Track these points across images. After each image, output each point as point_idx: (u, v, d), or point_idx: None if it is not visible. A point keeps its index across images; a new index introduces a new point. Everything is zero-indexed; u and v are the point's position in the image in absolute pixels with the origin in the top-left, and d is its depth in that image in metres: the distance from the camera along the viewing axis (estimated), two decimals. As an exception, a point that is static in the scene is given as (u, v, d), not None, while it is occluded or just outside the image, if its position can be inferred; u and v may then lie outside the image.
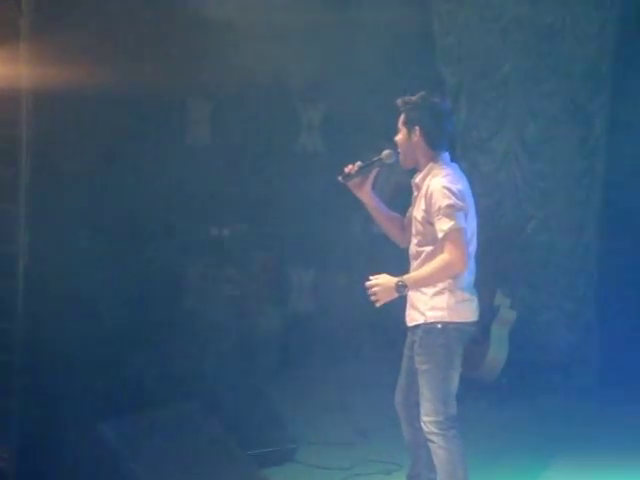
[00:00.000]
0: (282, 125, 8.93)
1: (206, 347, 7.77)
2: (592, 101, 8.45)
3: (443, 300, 4.82)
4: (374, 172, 5.02)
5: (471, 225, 4.89)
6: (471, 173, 8.40)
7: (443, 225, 4.73)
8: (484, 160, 8.57)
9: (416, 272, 4.85)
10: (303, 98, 9.05)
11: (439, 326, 4.79)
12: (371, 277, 4.81)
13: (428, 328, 4.82)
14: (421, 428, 4.93)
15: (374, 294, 4.78)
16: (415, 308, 4.90)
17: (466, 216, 4.80)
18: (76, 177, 6.57)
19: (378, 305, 4.79)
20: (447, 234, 4.72)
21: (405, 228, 5.12)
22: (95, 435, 4.92)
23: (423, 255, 4.88)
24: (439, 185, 4.80)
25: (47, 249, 5.89)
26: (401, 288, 4.73)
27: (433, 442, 4.80)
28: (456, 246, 4.71)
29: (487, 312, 7.94)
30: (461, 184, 4.87)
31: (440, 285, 4.81)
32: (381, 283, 4.76)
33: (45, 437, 5.40)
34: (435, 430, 4.79)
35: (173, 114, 8.59)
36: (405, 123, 4.95)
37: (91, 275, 6.47)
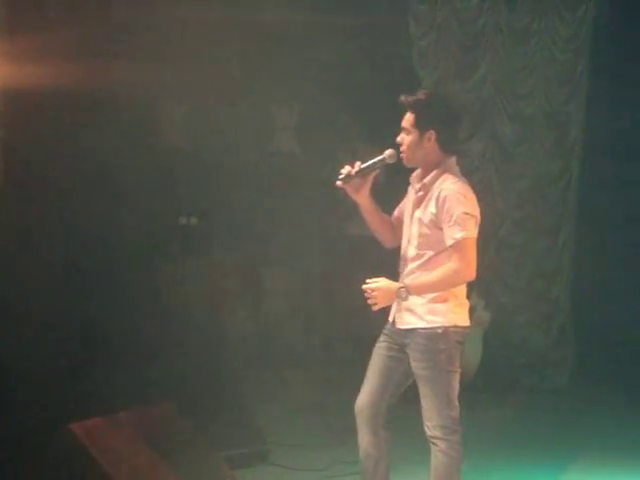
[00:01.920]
0: (254, 126, 8.94)
1: (178, 347, 7.75)
2: (568, 103, 8.49)
3: (443, 305, 4.70)
4: (374, 173, 4.77)
5: None
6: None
7: (455, 233, 4.59)
8: (461, 162, 8.55)
9: (421, 280, 4.68)
10: (276, 99, 9.06)
11: (439, 331, 4.67)
12: (369, 280, 4.65)
13: (428, 333, 4.68)
14: (384, 437, 4.85)
15: (373, 298, 4.62)
16: (411, 311, 4.74)
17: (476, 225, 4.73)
18: (50, 175, 6.54)
19: (375, 309, 4.65)
20: (458, 242, 4.59)
21: (395, 229, 4.98)
22: (65, 436, 4.88)
23: (425, 258, 4.73)
24: (453, 190, 4.65)
25: (17, 246, 5.85)
26: (403, 294, 4.61)
27: (436, 445, 4.72)
28: (466, 256, 4.60)
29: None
30: (472, 192, 4.76)
31: (443, 293, 4.70)
32: (382, 287, 4.61)
33: (15, 440, 5.37)
34: (439, 435, 4.70)
35: (146, 113, 8.58)
36: (416, 125, 4.69)
37: (60, 273, 6.44)
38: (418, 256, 4.77)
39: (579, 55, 8.41)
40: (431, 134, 4.69)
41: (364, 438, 4.89)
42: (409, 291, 4.61)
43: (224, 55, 8.41)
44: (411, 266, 4.81)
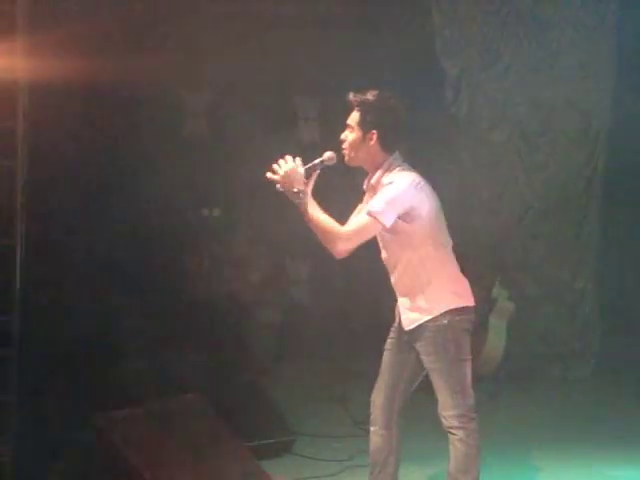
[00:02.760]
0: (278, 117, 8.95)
1: (205, 339, 7.80)
2: (592, 92, 8.45)
3: (441, 290, 4.74)
4: (314, 176, 4.74)
5: (434, 220, 4.77)
6: (472, 165, 8.46)
7: (373, 206, 4.61)
8: (485, 152, 8.56)
9: (319, 215, 4.62)
10: (301, 92, 9.07)
11: (445, 321, 4.71)
12: (282, 162, 4.62)
13: (435, 326, 4.72)
14: (396, 433, 4.93)
15: (278, 176, 4.61)
16: (414, 310, 4.79)
17: (417, 214, 4.68)
18: (73, 170, 6.58)
19: (269, 175, 4.62)
20: (366, 218, 4.60)
21: None
22: (92, 427, 4.92)
23: (405, 260, 4.78)
24: (390, 179, 4.69)
25: (44, 242, 5.89)
26: (296, 198, 4.61)
27: (454, 434, 4.75)
28: (359, 232, 4.62)
29: (485, 304, 7.95)
30: (413, 180, 4.74)
31: (435, 282, 4.74)
32: (286, 174, 4.59)
33: (43, 432, 5.42)
34: (456, 424, 4.73)
35: (169, 107, 8.62)
36: (361, 124, 4.74)
37: (89, 268, 6.49)
38: (391, 258, 4.84)
39: (603, 44, 8.37)
40: (373, 134, 4.74)
41: (377, 432, 4.98)
42: (299, 201, 4.60)
43: (246, 46, 8.41)
44: (394, 271, 4.86)
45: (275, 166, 4.63)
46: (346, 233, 4.63)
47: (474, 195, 8.59)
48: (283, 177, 4.61)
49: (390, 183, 4.68)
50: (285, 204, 8.30)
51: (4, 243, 5.61)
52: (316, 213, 4.65)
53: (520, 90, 8.49)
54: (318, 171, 4.75)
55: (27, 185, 5.69)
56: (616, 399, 7.75)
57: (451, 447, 4.79)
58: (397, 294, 4.92)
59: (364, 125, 4.73)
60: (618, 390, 7.97)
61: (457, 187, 8.39)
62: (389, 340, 4.99)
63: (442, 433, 4.80)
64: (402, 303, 4.88)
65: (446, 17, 8.39)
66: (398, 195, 4.65)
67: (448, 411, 4.75)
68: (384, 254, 4.90)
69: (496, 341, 7.93)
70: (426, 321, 4.75)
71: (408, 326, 4.84)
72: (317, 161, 4.74)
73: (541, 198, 8.59)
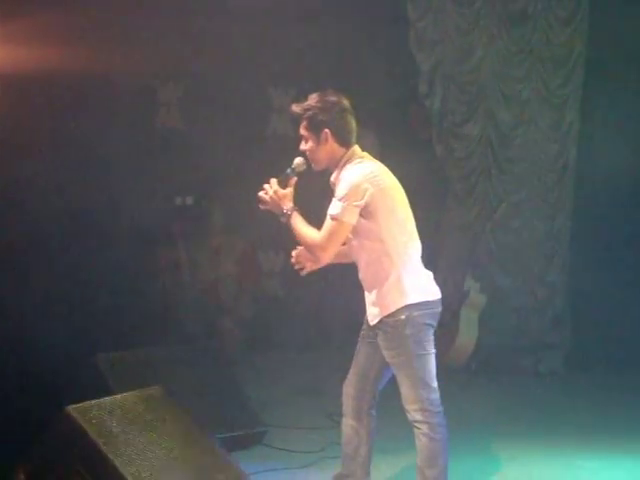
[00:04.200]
0: (252, 108, 8.95)
1: (176, 329, 7.79)
2: (564, 86, 8.48)
3: (401, 286, 4.77)
4: (292, 183, 4.91)
5: (395, 213, 4.82)
6: (446, 158, 8.48)
7: (332, 209, 4.73)
8: (458, 145, 8.58)
9: (302, 227, 4.80)
10: (275, 82, 9.06)
11: (403, 317, 4.74)
12: (267, 186, 4.85)
13: (393, 321, 4.77)
14: (367, 423, 5.00)
15: (264, 199, 4.84)
16: (375, 305, 4.85)
17: (376, 207, 4.74)
18: (45, 156, 6.55)
19: (261, 207, 4.86)
20: (328, 221, 4.73)
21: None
22: (62, 418, 4.90)
23: (365, 255, 4.85)
24: (345, 177, 4.78)
25: (15, 224, 5.86)
26: (282, 218, 4.83)
27: (418, 429, 4.81)
28: (330, 238, 4.73)
29: (456, 296, 7.98)
30: (369, 173, 4.79)
31: (393, 275, 4.77)
32: (274, 200, 4.82)
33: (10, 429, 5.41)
34: (419, 418, 4.78)
35: (142, 96, 8.60)
36: (310, 129, 4.86)
37: (59, 254, 6.46)
38: (354, 252, 4.90)
39: (576, 38, 8.39)
40: (325, 133, 4.85)
41: (347, 422, 5.07)
42: (286, 219, 4.81)
43: (221, 34, 8.40)
44: (358, 265, 4.92)
45: (261, 193, 4.84)
46: (320, 243, 4.76)
47: (447, 188, 8.61)
48: (270, 202, 4.82)
49: (344, 179, 4.76)
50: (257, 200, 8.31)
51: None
52: (298, 226, 4.82)
53: (493, 83, 8.51)
54: (295, 178, 4.92)
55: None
56: (587, 391, 7.81)
57: (416, 441, 4.84)
58: (364, 288, 4.97)
59: (314, 128, 4.86)
60: (589, 383, 8.04)
61: (430, 180, 8.42)
62: (362, 332, 5.05)
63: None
64: (366, 297, 4.94)
65: (420, 10, 8.38)
66: (351, 191, 4.72)
67: (410, 405, 4.81)
68: (349, 247, 4.95)
69: (468, 333, 7.97)
70: (385, 316, 4.81)
71: (371, 321, 4.90)
72: (288, 170, 4.93)
73: (513, 191, 8.62)
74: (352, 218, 4.72)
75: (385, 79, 8.87)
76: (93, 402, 5.03)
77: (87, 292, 7.08)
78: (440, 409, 4.82)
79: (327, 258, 4.80)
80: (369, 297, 4.90)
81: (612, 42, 8.22)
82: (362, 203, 4.72)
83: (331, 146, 4.86)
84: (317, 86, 8.46)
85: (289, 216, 4.80)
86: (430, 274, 4.93)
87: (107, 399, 5.16)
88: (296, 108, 4.91)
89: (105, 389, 5.60)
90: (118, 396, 5.23)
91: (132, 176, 8.47)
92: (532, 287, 8.67)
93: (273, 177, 4.91)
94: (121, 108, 8.13)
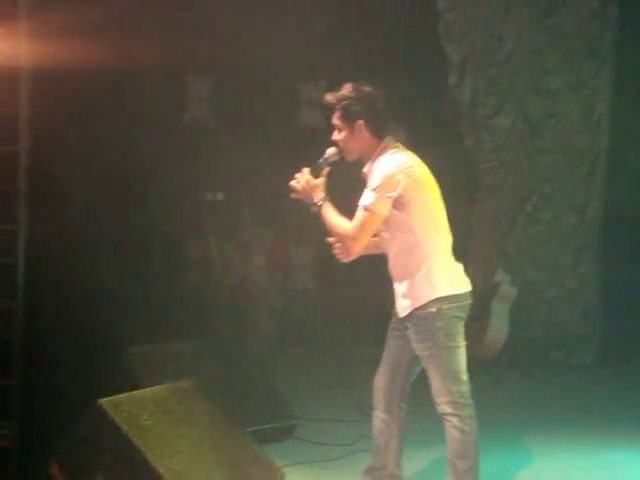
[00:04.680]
0: (281, 102, 8.95)
1: (205, 323, 7.81)
2: (595, 77, 8.44)
3: (431, 277, 4.75)
4: (323, 173, 4.90)
5: (428, 205, 4.82)
6: (476, 150, 8.45)
7: (364, 200, 4.71)
8: (488, 137, 8.55)
9: (333, 217, 4.79)
10: (304, 76, 9.06)
11: (434, 309, 4.73)
12: (299, 175, 4.86)
13: (423, 314, 4.75)
14: (398, 416, 5.00)
15: (295, 190, 4.84)
16: (405, 297, 4.83)
17: (410, 199, 4.72)
18: (76, 155, 6.57)
19: (293, 195, 4.86)
20: (361, 212, 4.71)
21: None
22: (94, 411, 4.93)
23: (395, 246, 4.83)
24: (379, 167, 4.77)
25: (45, 224, 5.89)
26: (313, 208, 4.82)
27: (448, 421, 4.80)
28: (361, 229, 4.71)
29: (487, 289, 7.95)
30: (404, 165, 4.78)
31: (424, 268, 4.75)
32: (305, 189, 4.82)
33: (46, 417, 5.44)
34: (450, 410, 4.77)
35: (172, 91, 8.62)
36: (344, 119, 4.84)
37: (90, 253, 6.49)
38: (385, 243, 4.88)
39: (606, 28, 8.35)
40: (360, 124, 4.83)
41: (378, 416, 5.06)
42: (318, 209, 4.80)
43: (250, 28, 8.40)
44: (389, 255, 4.91)
45: (294, 182, 4.84)
46: (351, 234, 4.74)
47: (477, 180, 8.59)
48: (302, 191, 4.82)
49: (378, 169, 4.75)
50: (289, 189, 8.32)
51: (6, 228, 5.61)
52: (329, 216, 4.80)
53: (524, 75, 8.47)
54: (327, 168, 4.90)
55: (30, 170, 5.68)
56: (618, 384, 7.77)
57: (446, 433, 4.83)
58: (393, 280, 4.95)
59: (348, 119, 4.84)
60: (620, 375, 8.00)
61: (461, 173, 8.39)
62: (391, 324, 5.04)
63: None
64: (396, 289, 4.92)
65: (450, 1, 8.36)
66: (384, 181, 4.71)
67: (440, 397, 4.79)
68: (380, 239, 4.93)
69: (498, 326, 7.94)
70: (415, 309, 4.79)
71: (401, 313, 4.89)
72: (321, 160, 4.91)
73: (544, 183, 8.59)
74: (384, 209, 4.71)
75: (415, 71, 8.85)
76: (124, 395, 5.07)
77: (119, 287, 7.10)
78: (470, 402, 4.81)
79: (358, 249, 4.78)
80: (399, 289, 4.88)
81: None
82: (395, 194, 4.70)
83: (364, 136, 4.84)
84: (346, 79, 8.45)
85: (320, 206, 4.79)
86: (460, 266, 4.91)
87: (138, 392, 5.20)
88: (330, 98, 4.89)
89: (136, 382, 5.64)
90: (149, 389, 5.27)
91: (163, 172, 8.50)
92: (563, 279, 8.64)
93: (306, 167, 4.89)
94: (151, 103, 8.15)
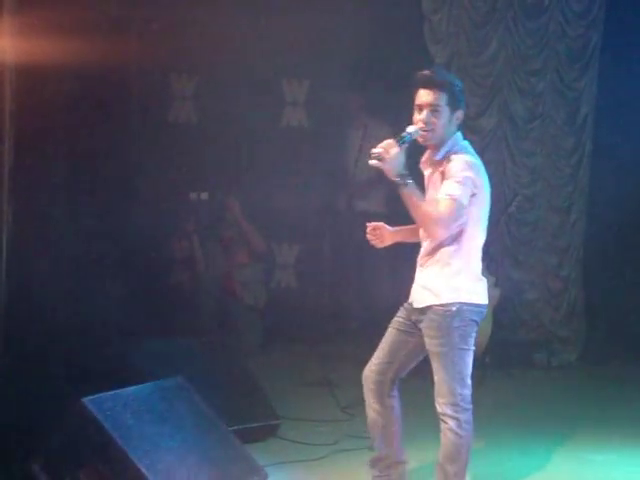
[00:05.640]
0: (265, 101, 8.95)
1: (189, 322, 7.80)
2: (579, 79, 8.46)
3: (459, 281, 4.75)
4: (402, 148, 4.69)
5: (485, 210, 4.84)
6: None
7: (450, 189, 4.63)
8: (473, 138, 8.53)
9: (421, 198, 4.64)
10: (288, 75, 9.07)
11: (454, 308, 4.72)
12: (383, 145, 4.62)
13: (443, 311, 4.74)
14: (390, 404, 4.96)
15: (383, 156, 4.57)
16: (427, 289, 4.81)
17: (476, 199, 4.72)
18: (59, 152, 6.56)
19: (372, 162, 4.60)
20: (449, 200, 4.61)
21: None
22: (78, 410, 4.91)
23: (437, 240, 4.77)
24: (462, 158, 4.72)
25: (30, 222, 5.87)
26: (400, 180, 4.58)
27: (445, 423, 4.78)
28: (450, 216, 4.63)
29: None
30: (480, 164, 4.81)
31: (456, 267, 4.75)
32: (393, 160, 4.58)
33: (27, 415, 5.40)
34: (449, 412, 4.75)
35: (157, 89, 8.61)
36: (450, 104, 4.76)
37: (74, 252, 6.46)
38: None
39: (591, 30, 8.37)
40: (460, 113, 4.82)
41: (370, 406, 5.01)
42: (404, 186, 4.58)
43: (234, 27, 8.40)
44: (424, 242, 4.88)
45: (379, 150, 4.60)
46: (443, 219, 4.62)
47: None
48: (389, 161, 4.59)
49: (465, 162, 4.71)
50: (273, 188, 8.36)
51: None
52: (417, 196, 4.65)
53: (508, 76, 8.49)
54: (406, 145, 4.71)
55: (15, 167, 5.67)
56: (600, 385, 7.80)
57: (442, 435, 4.81)
58: (418, 266, 4.93)
59: (453, 105, 4.78)
60: (602, 377, 8.02)
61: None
62: (396, 318, 4.99)
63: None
64: (419, 279, 4.89)
65: (434, 3, 8.37)
66: (470, 175, 4.68)
67: (442, 398, 4.77)
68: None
69: (482, 327, 7.90)
70: (436, 304, 4.77)
71: (418, 304, 4.85)
72: (405, 134, 4.72)
73: (529, 184, 8.60)
74: (467, 200, 4.67)
75: (400, 72, 8.86)
76: (108, 394, 5.05)
77: (103, 285, 7.09)
78: (470, 407, 4.80)
79: (443, 236, 4.69)
80: (422, 279, 4.86)
81: (628, 35, 8.19)
82: (474, 190, 4.70)
83: (453, 126, 4.82)
84: (331, 79, 8.51)
85: (407, 184, 4.60)
86: (485, 281, 4.91)
87: (122, 391, 5.18)
88: (437, 79, 4.80)
89: (120, 381, 5.62)
90: (133, 388, 5.25)
91: (146, 171, 8.49)
92: (546, 281, 8.66)
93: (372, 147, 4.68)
94: (135, 102, 8.14)
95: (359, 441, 6.17)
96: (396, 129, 8.93)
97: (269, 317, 8.58)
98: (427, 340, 4.80)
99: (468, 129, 8.43)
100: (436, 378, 4.79)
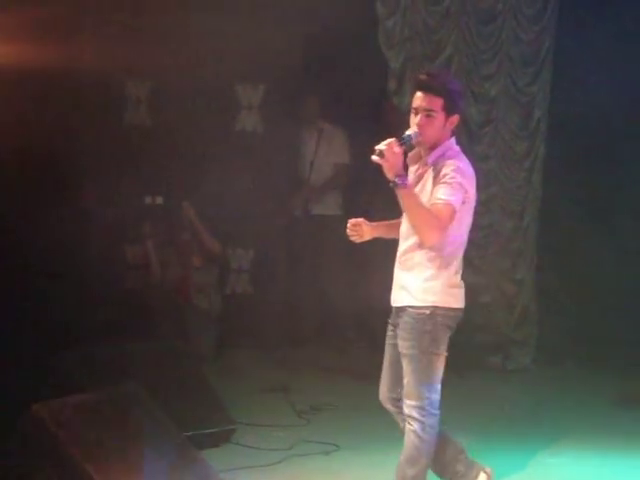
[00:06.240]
0: (220, 105, 8.93)
1: (143, 329, 7.75)
2: (532, 83, 8.50)
3: (437, 284, 4.76)
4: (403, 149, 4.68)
5: (470, 217, 4.86)
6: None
7: (443, 194, 4.62)
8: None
9: (419, 200, 4.62)
10: (243, 79, 9.05)
11: (427, 312, 4.73)
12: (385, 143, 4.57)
13: (416, 313, 4.75)
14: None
15: (384, 157, 4.52)
16: (405, 289, 4.82)
17: (465, 206, 4.74)
18: (11, 154, 6.50)
19: (375, 158, 4.54)
20: (444, 205, 4.61)
21: None
22: (30, 417, 4.86)
23: (418, 240, 4.76)
24: (456, 165, 4.72)
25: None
26: (398, 180, 4.53)
27: (410, 425, 4.80)
28: (446, 220, 4.63)
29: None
30: (472, 171, 4.83)
31: (434, 270, 4.76)
32: (394, 159, 4.52)
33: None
34: (415, 415, 4.78)
35: (113, 93, 8.56)
36: (446, 108, 4.75)
37: (25, 257, 6.41)
38: (408, 230, 4.82)
39: (543, 35, 8.43)
40: (455, 118, 4.82)
41: (400, 425, 5.00)
42: (403, 187, 4.53)
43: (189, 31, 8.38)
44: (405, 244, 4.87)
45: (382, 147, 4.56)
46: (440, 225, 4.60)
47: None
48: (391, 160, 4.54)
49: (458, 167, 4.71)
50: (228, 192, 8.33)
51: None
52: (415, 199, 4.64)
53: (462, 81, 8.51)
54: (405, 146, 4.71)
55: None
56: (554, 388, 7.85)
57: (405, 436, 4.82)
58: (396, 265, 4.92)
59: (450, 110, 4.78)
60: (557, 379, 8.07)
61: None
62: (388, 333, 5.00)
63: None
64: (397, 278, 4.89)
65: (389, 8, 8.37)
66: (463, 181, 4.69)
67: (410, 400, 4.80)
68: (403, 223, 4.89)
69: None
70: (410, 306, 4.78)
71: (396, 303, 4.88)
72: (405, 136, 4.71)
73: (483, 188, 8.60)
74: (459, 206, 4.68)
75: (355, 77, 8.88)
76: (60, 400, 5.01)
77: (56, 290, 7.03)
78: (437, 412, 4.84)
79: (437, 240, 4.67)
80: (400, 279, 4.86)
81: (580, 40, 8.26)
82: (464, 197, 4.71)
83: (448, 130, 4.82)
84: (286, 83, 8.49)
85: (405, 185, 4.57)
86: (462, 284, 4.91)
87: (74, 397, 5.14)
88: (435, 83, 4.78)
89: (72, 387, 5.57)
90: (85, 394, 5.22)
91: (101, 175, 8.43)
92: (500, 284, 8.69)
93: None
94: (89, 105, 8.08)
95: (314, 446, 6.20)
96: (351, 133, 9.08)
97: (224, 322, 8.56)
98: (399, 342, 4.82)
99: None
100: (405, 380, 4.81)
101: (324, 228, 8.76)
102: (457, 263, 4.86)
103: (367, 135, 8.57)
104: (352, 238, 5.01)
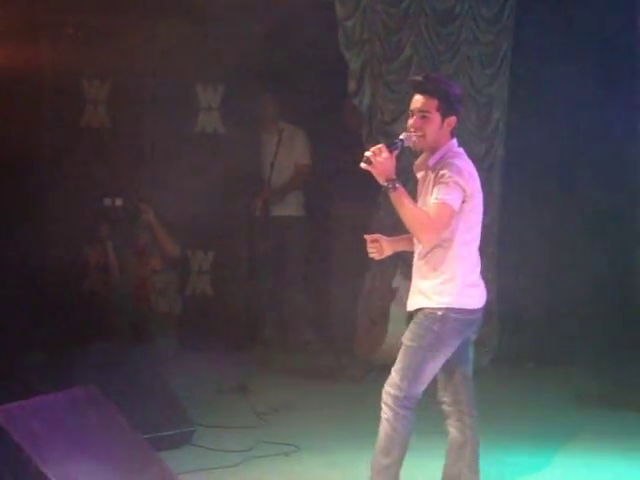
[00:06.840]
0: (180, 106, 8.92)
1: (103, 331, 7.72)
2: (491, 84, 8.54)
3: (453, 286, 4.77)
4: (394, 155, 4.71)
5: (477, 217, 4.90)
6: (374, 157, 8.50)
7: (442, 194, 4.64)
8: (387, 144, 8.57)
9: (412, 203, 4.67)
10: (203, 80, 9.04)
11: (439, 313, 4.75)
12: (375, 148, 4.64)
13: (429, 312, 4.77)
14: (470, 423, 5.05)
15: (373, 163, 4.59)
16: (422, 293, 4.84)
17: (467, 205, 4.76)
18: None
19: (363, 165, 4.62)
20: (439, 204, 4.64)
21: None
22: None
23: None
24: (454, 164, 4.74)
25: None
26: (389, 184, 4.60)
27: (384, 412, 4.82)
28: (441, 221, 4.65)
29: (387, 293, 8.00)
30: (472, 170, 4.85)
31: (447, 273, 4.77)
32: (384, 165, 4.58)
33: None
34: (390, 403, 4.79)
35: (68, 95, 8.53)
36: (441, 110, 4.76)
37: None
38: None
39: (502, 37, 8.46)
40: (452, 120, 4.82)
41: (450, 424, 5.07)
42: (393, 190, 4.59)
43: (148, 32, 8.36)
44: (417, 252, 4.91)
45: (369, 154, 4.61)
46: (434, 225, 4.64)
47: (378, 186, 8.62)
48: (379, 166, 4.59)
49: (455, 166, 4.72)
50: (187, 194, 8.31)
51: None
52: (408, 201, 4.65)
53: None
54: (397, 150, 4.73)
55: None
56: (513, 388, 7.88)
57: (380, 425, 4.84)
58: (413, 273, 4.97)
59: (445, 111, 4.78)
60: (516, 378, 8.11)
61: (363, 178, 8.43)
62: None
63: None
64: (414, 285, 4.93)
65: (348, 9, 8.39)
66: (461, 181, 4.69)
67: (390, 387, 4.81)
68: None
69: (397, 331, 7.97)
70: (424, 307, 4.81)
71: (411, 307, 4.90)
72: (397, 141, 4.74)
73: (441, 190, 8.65)
74: (457, 206, 4.70)
75: (315, 77, 8.89)
76: (17, 403, 4.97)
77: (14, 292, 6.98)
78: (413, 408, 4.83)
79: (433, 241, 4.71)
80: (417, 285, 4.88)
81: (537, 41, 8.32)
82: (464, 196, 4.72)
83: (446, 132, 4.81)
84: (246, 84, 8.48)
85: (397, 188, 4.61)
86: (482, 282, 4.95)
87: (31, 400, 5.10)
88: (428, 84, 4.80)
89: (30, 390, 5.53)
90: (42, 397, 5.18)
91: (60, 176, 8.39)
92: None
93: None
94: (47, 107, 8.05)
95: (274, 447, 6.20)
96: (312, 134, 9.09)
97: (184, 324, 8.54)
98: (405, 333, 4.85)
99: (383, 134, 8.49)
100: (394, 367, 4.83)
101: (285, 229, 8.76)
102: (472, 261, 4.90)
103: (327, 135, 8.67)
104: (372, 255, 5.03)
